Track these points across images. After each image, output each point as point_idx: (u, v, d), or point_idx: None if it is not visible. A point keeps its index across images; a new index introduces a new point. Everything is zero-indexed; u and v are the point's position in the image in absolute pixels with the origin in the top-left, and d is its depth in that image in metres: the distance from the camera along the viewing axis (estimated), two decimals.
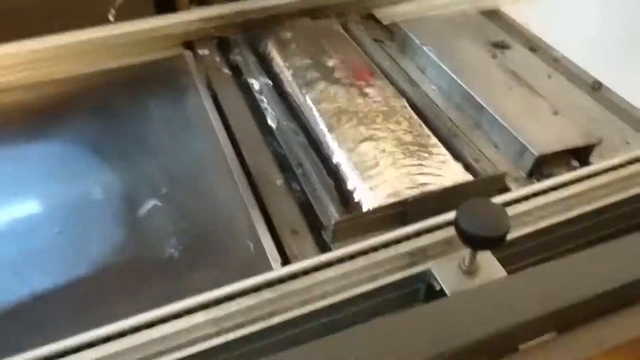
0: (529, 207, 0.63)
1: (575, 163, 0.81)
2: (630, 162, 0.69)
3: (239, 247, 0.62)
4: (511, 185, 0.77)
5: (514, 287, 0.45)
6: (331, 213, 0.66)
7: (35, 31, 0.90)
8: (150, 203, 0.66)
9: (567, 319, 0.43)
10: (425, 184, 0.69)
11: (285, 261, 0.61)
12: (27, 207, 0.67)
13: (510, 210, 0.61)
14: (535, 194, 0.64)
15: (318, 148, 0.77)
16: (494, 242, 0.49)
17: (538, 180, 0.78)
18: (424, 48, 0.98)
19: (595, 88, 1.02)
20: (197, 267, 0.60)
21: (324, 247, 0.65)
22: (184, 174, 0.71)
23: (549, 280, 0.43)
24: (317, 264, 0.55)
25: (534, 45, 1.15)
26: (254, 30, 1.00)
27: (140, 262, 0.60)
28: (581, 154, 0.81)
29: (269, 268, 0.60)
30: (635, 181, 0.68)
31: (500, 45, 1.13)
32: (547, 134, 0.81)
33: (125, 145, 0.75)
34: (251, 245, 0.62)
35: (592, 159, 0.82)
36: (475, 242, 0.49)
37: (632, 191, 0.67)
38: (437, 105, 0.89)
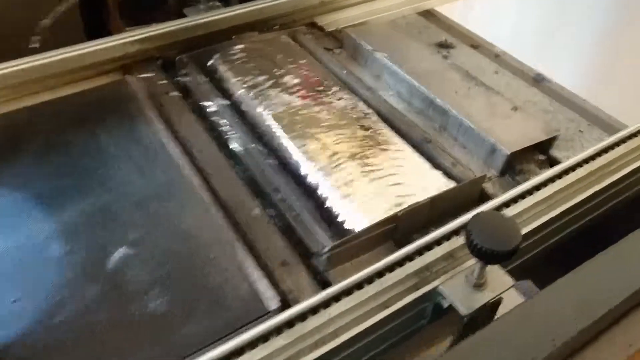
0: (519, 210, 0.62)
1: (541, 156, 0.82)
2: (604, 151, 0.71)
3: (229, 288, 0.57)
4: (486, 185, 0.77)
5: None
6: (320, 239, 0.62)
7: None
8: (120, 252, 0.59)
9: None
10: (410, 195, 0.67)
11: (283, 298, 0.56)
12: None
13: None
14: (522, 195, 0.64)
15: (290, 169, 0.73)
16: (508, 256, 0.47)
17: (511, 177, 0.79)
18: (377, 54, 0.96)
19: (538, 80, 1.05)
20: (188, 318, 0.54)
21: (317, 276, 0.61)
22: (150, 213, 0.64)
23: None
24: (324, 299, 0.51)
25: (474, 43, 1.16)
26: (199, 48, 0.94)
27: (121, 322, 0.53)
28: (544, 147, 0.83)
29: (266, 308, 0.55)
30: (614, 167, 0.70)
31: (445, 45, 1.14)
32: (512, 131, 0.82)
33: (77, 188, 0.67)
34: (242, 284, 0.57)
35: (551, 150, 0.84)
36: (488, 256, 0.48)
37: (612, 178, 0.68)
38: (401, 112, 0.87)
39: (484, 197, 0.75)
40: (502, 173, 0.79)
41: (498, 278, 0.53)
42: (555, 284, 0.46)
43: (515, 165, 0.79)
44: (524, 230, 0.60)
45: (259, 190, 0.71)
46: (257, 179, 0.72)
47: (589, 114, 0.94)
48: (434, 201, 0.65)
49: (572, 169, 0.69)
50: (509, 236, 0.47)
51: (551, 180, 0.67)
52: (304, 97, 0.83)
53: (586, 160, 0.71)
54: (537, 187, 0.66)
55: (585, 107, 0.95)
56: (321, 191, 0.69)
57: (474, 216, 0.49)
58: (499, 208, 0.63)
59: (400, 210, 0.63)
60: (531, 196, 0.64)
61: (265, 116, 0.80)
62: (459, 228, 0.59)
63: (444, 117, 0.85)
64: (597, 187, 0.67)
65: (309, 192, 0.70)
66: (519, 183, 0.77)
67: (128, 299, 0.55)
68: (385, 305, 0.52)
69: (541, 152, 0.83)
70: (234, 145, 0.77)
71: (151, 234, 0.61)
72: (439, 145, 0.78)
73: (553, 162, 0.82)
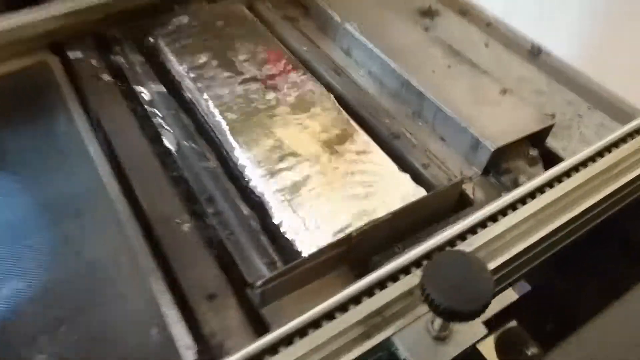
0: (503, 228, 0.51)
1: (533, 151, 0.70)
2: (608, 149, 0.58)
3: (136, 335, 0.46)
4: (466, 187, 0.65)
5: None
6: (257, 266, 0.51)
7: None
8: (8, 288, 0.48)
9: None
10: (372, 208, 0.55)
11: (202, 346, 0.46)
12: None
13: (482, 238, 0.49)
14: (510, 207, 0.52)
15: (232, 172, 0.61)
16: (475, 315, 0.36)
17: (496, 178, 0.67)
18: (347, 26, 0.82)
19: (535, 53, 0.92)
20: None
21: (252, 312, 0.50)
22: (51, 234, 0.53)
23: None
24: (254, 352, 0.40)
25: (463, 9, 1.02)
26: (138, 21, 0.80)
27: None
28: (538, 138, 0.71)
29: None
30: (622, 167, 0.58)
31: (429, 13, 1.00)
32: (500, 121, 0.69)
33: None
34: (154, 330, 0.46)
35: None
36: (449, 316, 0.36)
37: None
38: (370, 96, 0.75)
39: (464, 202, 0.64)
40: (486, 172, 0.67)
41: (467, 327, 0.42)
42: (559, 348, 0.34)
43: (501, 162, 0.67)
44: (502, 259, 0.49)
45: (194, 200, 0.60)
46: (193, 186, 0.61)
47: (590, 94, 0.81)
48: (395, 217, 0.53)
49: (570, 173, 0.56)
50: (476, 289, 0.36)
51: (544, 187, 0.55)
52: (256, 82, 0.71)
53: (592, 159, 0.58)
54: (531, 195, 0.54)
55: (587, 85, 0.82)
56: (266, 201, 0.57)
57: (430, 262, 0.37)
58: (476, 227, 0.51)
59: (355, 230, 0.52)
60: (518, 210, 0.52)
61: (209, 105, 0.68)
62: (422, 256, 0.47)
63: (420, 101, 0.73)
64: (597, 197, 0.55)
65: (252, 203, 0.58)
66: (503, 184, 0.66)
67: (9, 352, 0.45)
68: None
69: (533, 144, 0.71)
70: (167, 143, 0.65)
71: (46, 263, 0.50)
72: (412, 140, 0.66)
73: (547, 153, 0.71)
